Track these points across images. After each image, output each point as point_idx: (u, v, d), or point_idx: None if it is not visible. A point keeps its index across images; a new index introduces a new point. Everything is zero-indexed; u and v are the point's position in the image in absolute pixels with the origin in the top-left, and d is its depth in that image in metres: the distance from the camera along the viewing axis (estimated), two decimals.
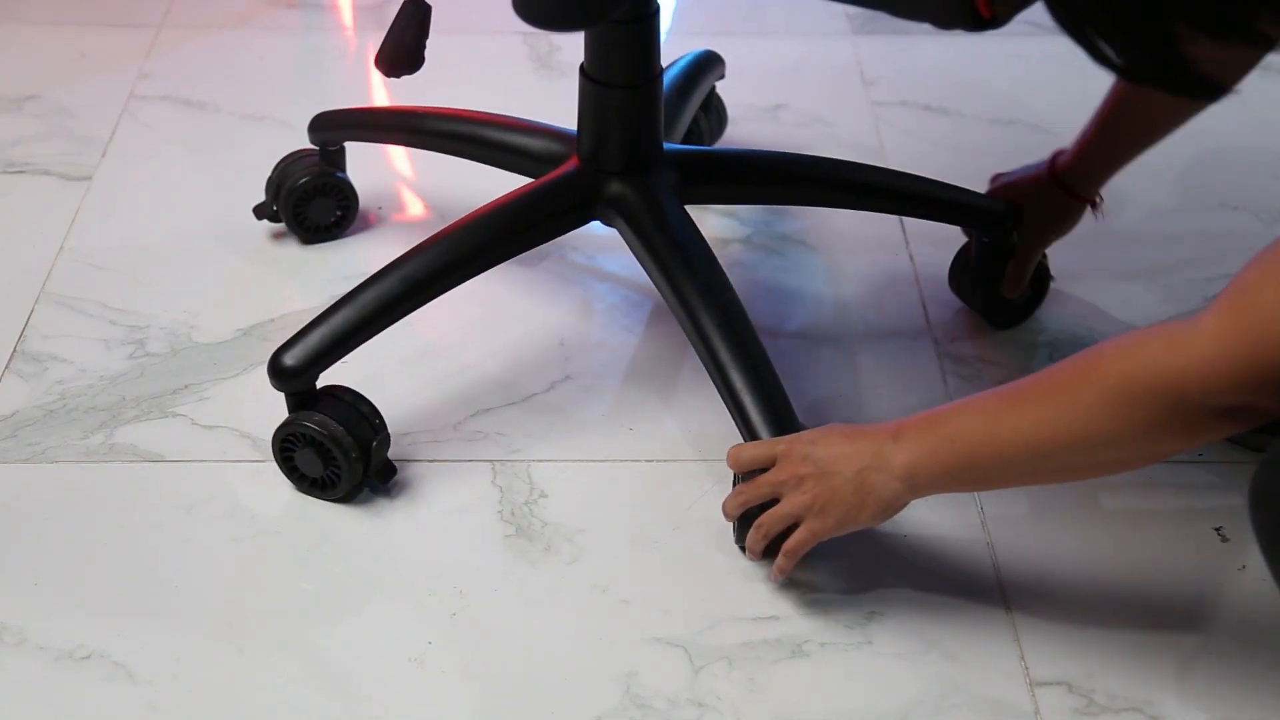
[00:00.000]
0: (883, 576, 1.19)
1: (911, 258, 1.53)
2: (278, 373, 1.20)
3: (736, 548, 1.20)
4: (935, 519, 1.24)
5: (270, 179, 1.52)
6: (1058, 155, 1.35)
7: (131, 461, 1.28)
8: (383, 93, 1.81)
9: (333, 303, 1.23)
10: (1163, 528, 1.24)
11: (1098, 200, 1.36)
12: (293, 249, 1.53)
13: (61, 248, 1.52)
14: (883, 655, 1.13)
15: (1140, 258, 1.54)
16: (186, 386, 1.36)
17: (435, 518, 1.23)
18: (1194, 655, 1.14)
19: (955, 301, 1.47)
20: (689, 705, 1.09)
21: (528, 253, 1.42)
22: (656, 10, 1.23)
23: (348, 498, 1.24)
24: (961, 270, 1.45)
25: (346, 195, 1.54)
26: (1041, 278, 1.44)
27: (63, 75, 1.81)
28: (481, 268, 1.28)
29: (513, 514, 1.24)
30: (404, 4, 1.26)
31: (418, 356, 1.40)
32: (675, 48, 1.60)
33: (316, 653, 1.12)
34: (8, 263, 1.51)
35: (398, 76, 1.27)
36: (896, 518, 1.23)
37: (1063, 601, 1.17)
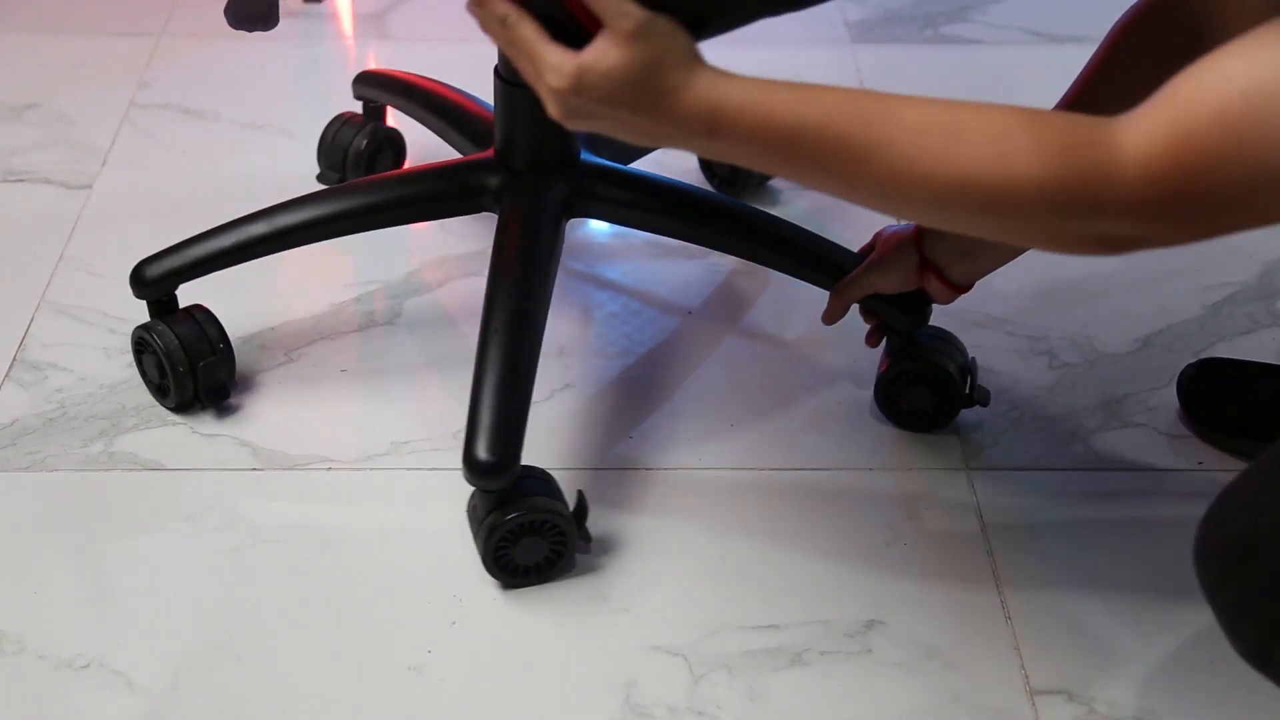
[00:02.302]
0: (882, 585, 1.19)
1: None
2: (136, 280, 1.30)
3: (736, 553, 1.20)
4: (935, 527, 1.24)
5: (323, 145, 1.59)
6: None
7: (131, 470, 1.28)
8: None
9: (211, 229, 1.31)
10: (1163, 536, 1.24)
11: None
12: (293, 255, 1.52)
13: (61, 256, 1.52)
14: (882, 664, 1.13)
15: (1137, 265, 1.54)
16: None
17: (435, 525, 1.23)
18: (1195, 665, 1.13)
19: (952, 308, 1.46)
20: (688, 714, 1.09)
21: None
22: None
23: (180, 409, 1.32)
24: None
25: (399, 146, 1.61)
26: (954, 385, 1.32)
27: (63, 83, 1.81)
28: (350, 229, 1.35)
29: None
30: None
31: (419, 364, 1.40)
32: None
33: (316, 661, 1.12)
34: (8, 271, 1.51)
35: (249, 31, 1.29)
36: (896, 526, 1.24)
37: (1063, 610, 1.17)
